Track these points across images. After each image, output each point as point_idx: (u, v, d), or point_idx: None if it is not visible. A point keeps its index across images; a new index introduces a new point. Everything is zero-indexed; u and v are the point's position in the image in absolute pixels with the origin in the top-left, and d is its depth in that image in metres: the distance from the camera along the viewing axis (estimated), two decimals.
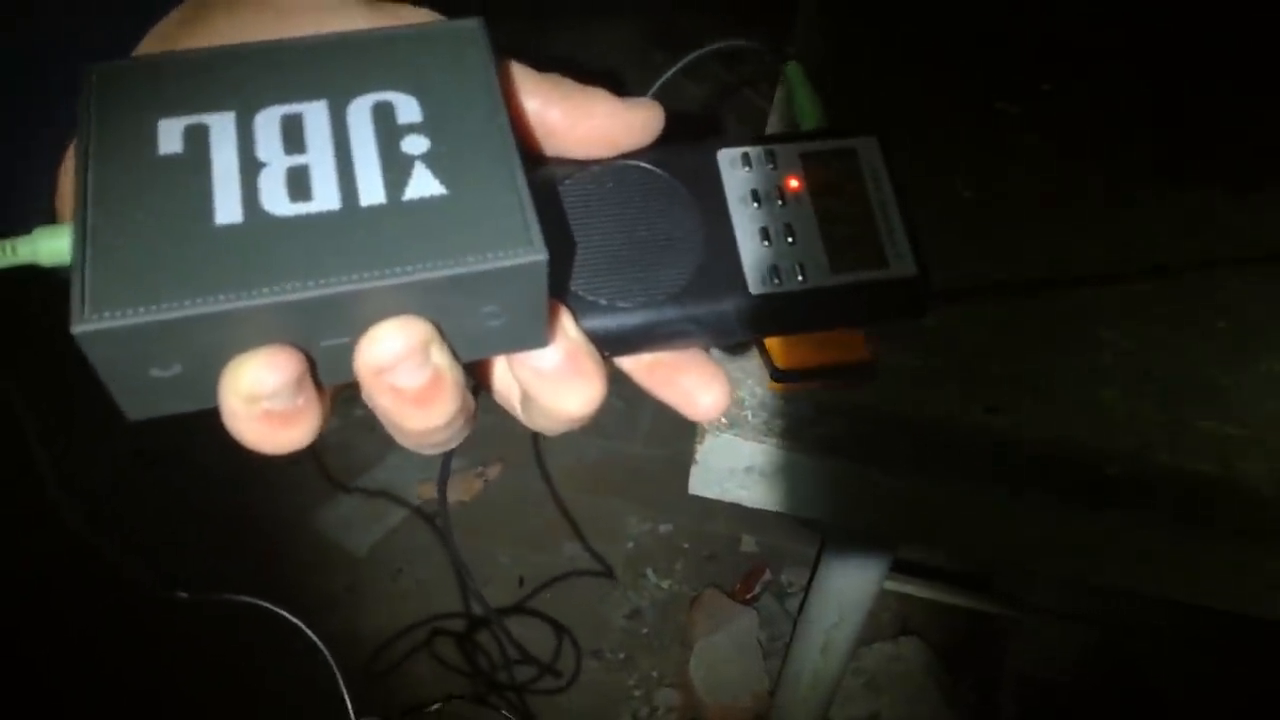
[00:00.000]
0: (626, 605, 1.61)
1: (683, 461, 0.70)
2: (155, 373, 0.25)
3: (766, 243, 0.32)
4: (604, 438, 1.82)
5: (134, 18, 0.30)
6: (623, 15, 2.27)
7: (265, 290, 0.24)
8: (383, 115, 0.27)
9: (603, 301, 0.30)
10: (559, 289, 0.30)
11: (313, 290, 0.24)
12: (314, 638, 1.05)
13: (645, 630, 1.58)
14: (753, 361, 0.67)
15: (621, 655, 1.55)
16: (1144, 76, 0.94)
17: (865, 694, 1.46)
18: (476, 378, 0.31)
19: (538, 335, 0.28)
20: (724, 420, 0.66)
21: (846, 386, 0.66)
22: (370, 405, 0.28)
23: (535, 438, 1.80)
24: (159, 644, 1.45)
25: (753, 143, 0.33)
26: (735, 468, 0.68)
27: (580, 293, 0.30)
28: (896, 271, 0.32)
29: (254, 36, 0.28)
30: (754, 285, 0.31)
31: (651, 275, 0.31)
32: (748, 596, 1.60)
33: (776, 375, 0.65)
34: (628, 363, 0.33)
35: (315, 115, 0.27)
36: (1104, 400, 0.68)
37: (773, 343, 0.64)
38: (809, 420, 0.66)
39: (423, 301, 0.26)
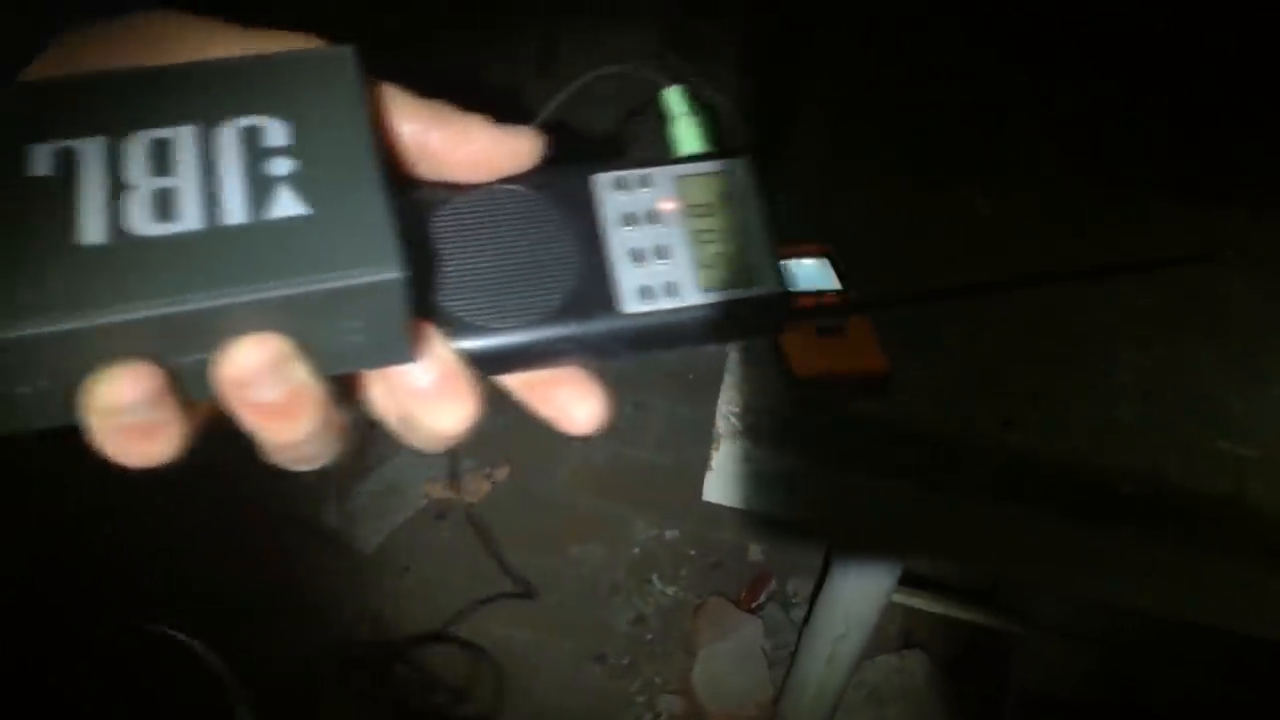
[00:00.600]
0: (631, 611, 1.61)
1: (691, 468, 0.70)
2: (17, 389, 0.26)
3: (639, 264, 0.33)
4: (613, 442, 1.82)
5: (15, 53, 0.30)
6: (638, 21, 2.28)
7: (122, 307, 0.25)
8: (250, 138, 0.28)
9: (477, 322, 0.31)
10: (433, 309, 0.31)
11: (168, 307, 0.25)
12: (217, 665, 1.05)
13: (649, 636, 1.58)
14: (770, 369, 0.68)
15: (625, 661, 1.56)
16: (1158, 91, 0.94)
17: (868, 706, 1.46)
18: (352, 392, 0.32)
19: (402, 351, 0.29)
20: (740, 427, 0.67)
21: (863, 396, 0.66)
22: (238, 422, 0.29)
23: (543, 440, 1.80)
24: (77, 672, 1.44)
25: (627, 166, 0.34)
26: (749, 475, 0.68)
27: (455, 313, 0.31)
28: (761, 290, 0.33)
29: (136, 63, 0.29)
30: (626, 305, 0.32)
31: (526, 296, 0.32)
32: (753, 605, 1.61)
33: (794, 383, 0.66)
34: (507, 380, 0.34)
35: (184, 139, 0.28)
36: (1119, 419, 0.69)
37: (791, 351, 0.65)
38: (824, 430, 0.66)
39: (279, 318, 0.26)
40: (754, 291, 0.33)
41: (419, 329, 0.29)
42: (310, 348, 0.27)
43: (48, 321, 0.24)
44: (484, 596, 1.55)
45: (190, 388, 0.27)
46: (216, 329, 0.26)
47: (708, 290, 0.33)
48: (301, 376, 0.27)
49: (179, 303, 0.25)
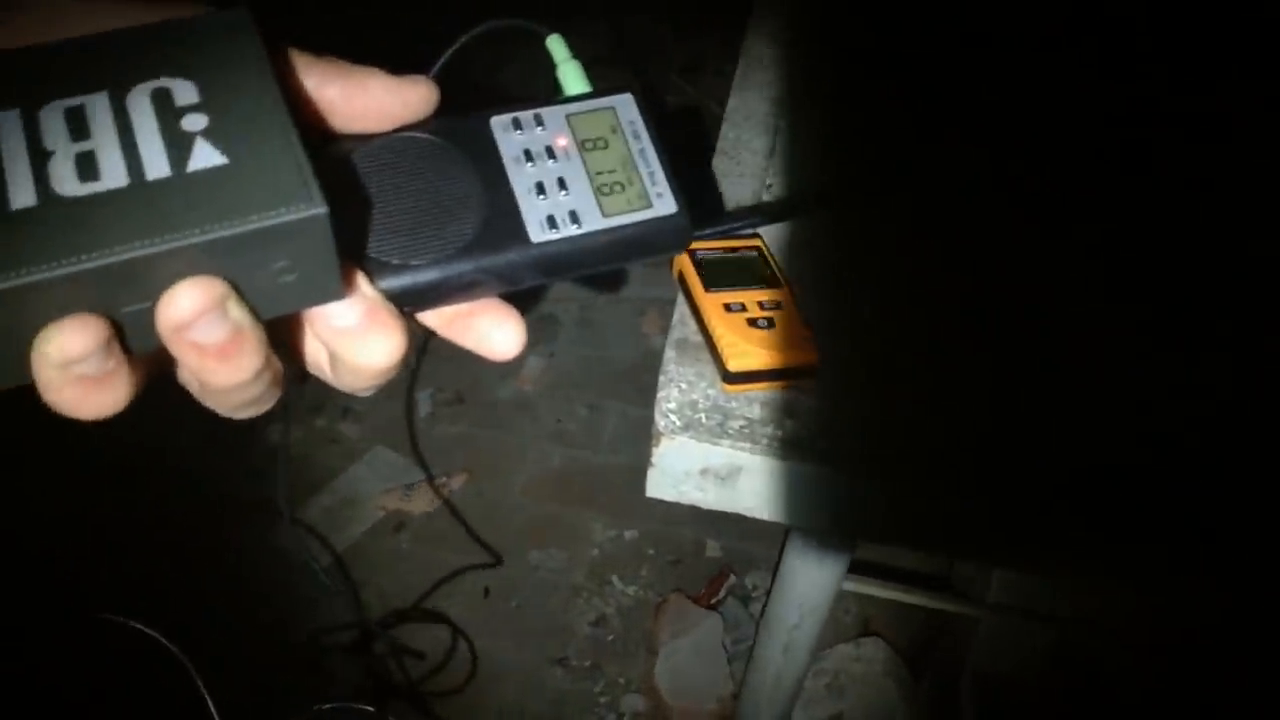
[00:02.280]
0: (592, 612, 1.61)
1: (646, 468, 0.71)
2: None
3: (542, 196, 0.35)
4: (568, 446, 1.82)
5: None
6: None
7: (62, 262, 0.26)
8: (161, 99, 0.29)
9: (395, 261, 0.33)
10: (353, 253, 0.32)
11: (107, 258, 0.26)
12: (185, 661, 1.05)
13: (611, 637, 1.59)
14: (706, 365, 0.68)
15: (587, 662, 1.56)
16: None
17: (828, 695, 1.47)
18: (287, 345, 0.34)
19: (333, 288, 0.30)
20: (678, 423, 0.67)
21: (796, 386, 0.67)
22: (180, 368, 0.30)
23: (498, 446, 1.80)
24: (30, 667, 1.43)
25: (522, 108, 0.37)
26: (691, 470, 0.69)
27: (374, 255, 0.33)
28: (660, 210, 0.36)
29: (33, 41, 0.30)
30: (534, 235, 0.35)
31: (439, 234, 0.34)
32: (712, 601, 1.62)
33: (728, 377, 0.66)
34: (430, 318, 0.35)
35: (97, 105, 0.29)
36: (1039, 398, 0.70)
37: (724, 346, 0.66)
38: (761, 421, 0.67)
39: (214, 261, 0.28)
40: (654, 212, 0.36)
41: (345, 270, 0.31)
42: (245, 290, 0.29)
43: None
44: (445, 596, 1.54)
45: (135, 338, 0.28)
46: (155, 277, 0.27)
47: (609, 215, 0.36)
48: (240, 316, 0.28)
49: (116, 253, 0.26)
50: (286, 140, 0.29)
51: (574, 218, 0.35)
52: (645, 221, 0.36)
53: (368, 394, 0.34)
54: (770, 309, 0.68)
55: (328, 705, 1.42)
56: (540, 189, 0.35)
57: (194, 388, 0.31)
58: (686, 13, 2.47)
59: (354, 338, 0.31)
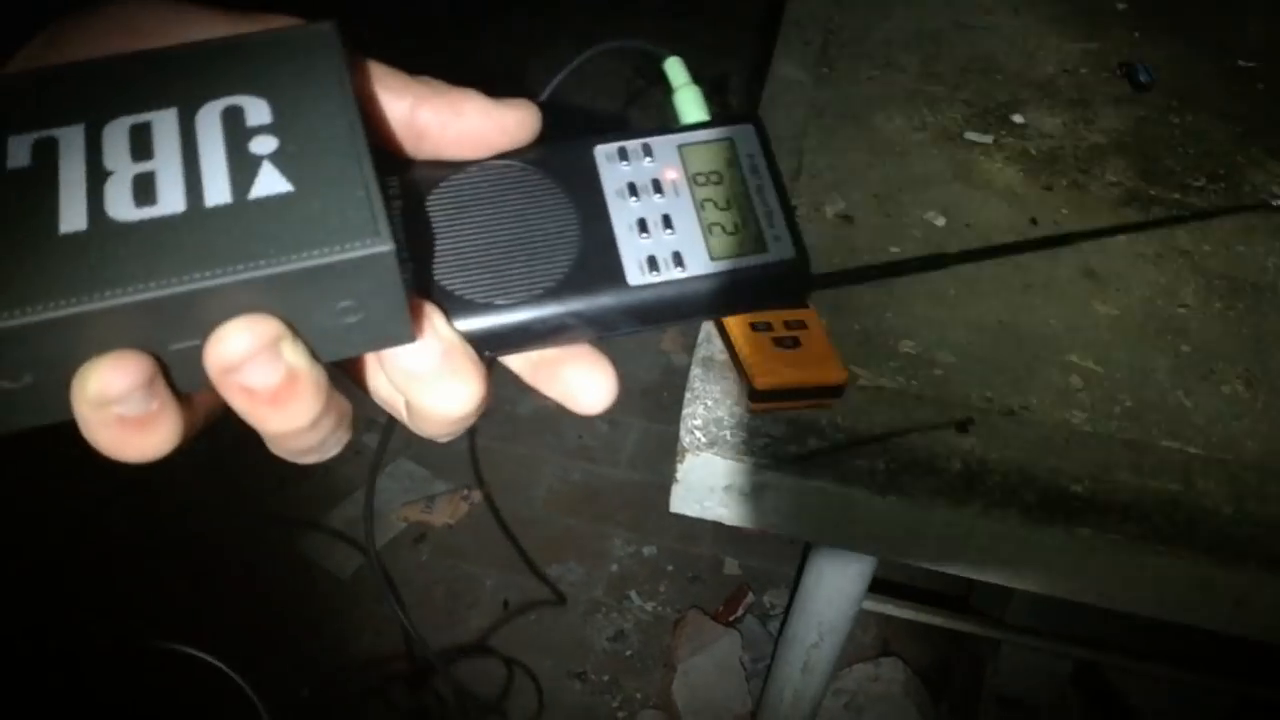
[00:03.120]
0: (610, 627, 1.62)
1: (666, 484, 0.71)
2: (5, 384, 0.25)
3: (645, 234, 0.32)
4: (588, 461, 1.83)
5: None
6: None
7: (106, 294, 0.24)
8: (232, 119, 0.27)
9: (479, 300, 0.30)
10: (433, 289, 0.30)
11: (154, 291, 0.25)
12: (244, 685, 1.05)
13: (629, 652, 1.59)
14: (731, 383, 0.69)
15: (605, 677, 1.56)
16: None
17: (845, 715, 1.47)
18: (355, 382, 0.32)
19: (402, 331, 0.28)
20: (703, 439, 0.68)
21: (823, 405, 0.68)
22: (234, 410, 0.28)
23: (519, 460, 1.81)
24: (86, 694, 1.44)
25: (629, 137, 0.34)
26: (715, 486, 0.70)
27: (456, 292, 0.30)
28: (775, 255, 0.32)
29: (110, 50, 0.29)
30: (632, 277, 0.31)
31: (528, 272, 0.31)
32: (731, 618, 1.62)
33: (754, 395, 0.67)
34: (514, 363, 0.33)
35: (164, 123, 0.27)
36: (1071, 421, 0.70)
37: (751, 364, 0.66)
38: (786, 439, 0.67)
39: (270, 298, 0.26)
40: (768, 258, 0.32)
41: (418, 308, 0.29)
42: (304, 331, 0.27)
43: (29, 312, 0.24)
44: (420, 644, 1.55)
45: (183, 377, 0.27)
46: (204, 313, 0.25)
47: (717, 259, 0.32)
48: (295, 359, 0.26)
49: (162, 287, 0.25)
50: (358, 169, 0.27)
51: (678, 260, 0.32)
52: (759, 267, 0.32)
53: (443, 440, 0.32)
54: (796, 328, 0.68)
55: None
56: (643, 226, 0.32)
57: (255, 428, 0.28)
58: (712, 33, 2.48)
59: (428, 382, 0.29)
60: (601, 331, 0.32)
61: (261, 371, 0.26)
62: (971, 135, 0.95)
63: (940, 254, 0.36)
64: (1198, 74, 1.07)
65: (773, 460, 0.68)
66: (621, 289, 0.31)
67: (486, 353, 0.31)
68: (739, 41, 2.33)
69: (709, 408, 0.69)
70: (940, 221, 0.85)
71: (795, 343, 0.67)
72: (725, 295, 0.32)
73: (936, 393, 0.71)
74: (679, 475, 0.70)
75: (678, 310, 0.32)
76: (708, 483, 0.70)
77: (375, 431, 1.82)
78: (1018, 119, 0.98)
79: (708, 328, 0.72)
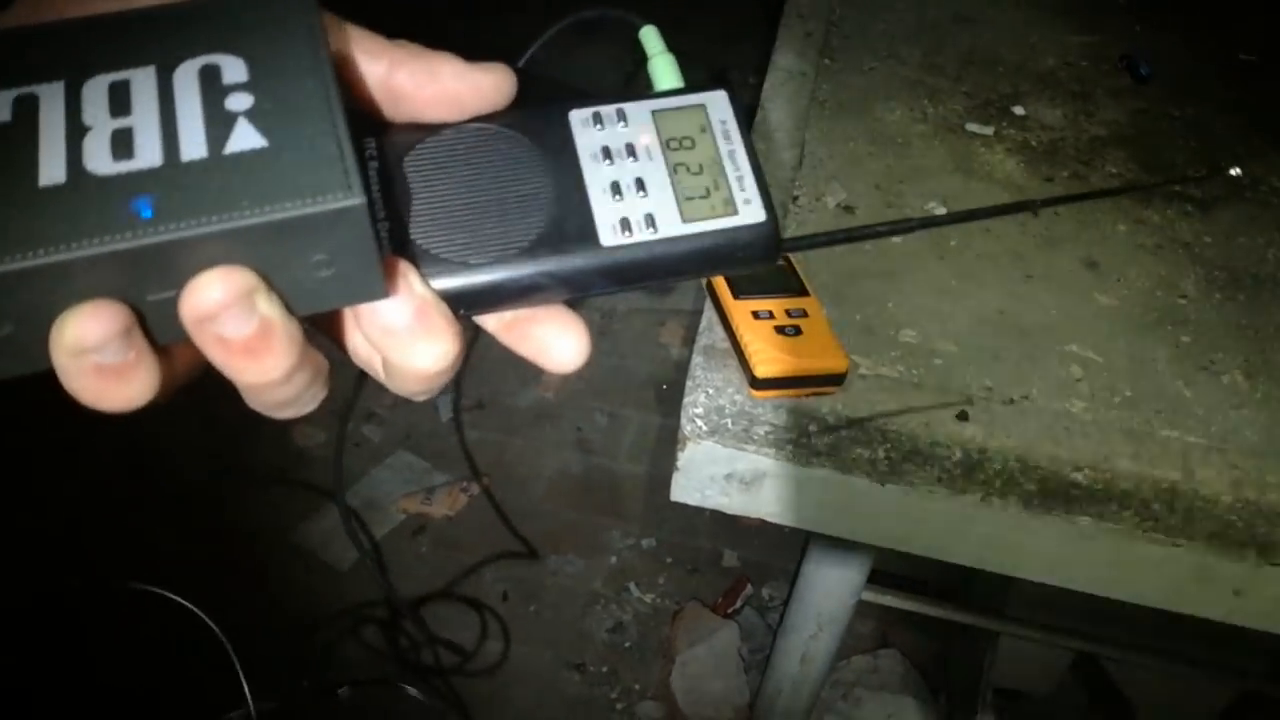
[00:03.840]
0: (609, 619, 1.62)
1: (665, 477, 0.71)
2: None
3: (618, 197, 0.33)
4: (587, 454, 1.83)
5: None
6: None
7: (84, 244, 0.25)
8: (209, 76, 0.28)
9: (454, 258, 0.31)
10: (409, 247, 0.31)
11: (130, 241, 0.25)
12: (212, 624, 1.07)
13: (628, 644, 1.59)
14: (732, 371, 0.69)
15: (604, 669, 1.56)
16: None
17: (844, 706, 1.47)
18: (333, 341, 0.32)
19: (375, 287, 0.29)
20: (704, 427, 0.68)
21: (824, 394, 0.68)
22: (210, 362, 0.28)
23: (518, 452, 1.81)
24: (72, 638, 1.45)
25: (604, 102, 0.34)
26: (715, 475, 0.70)
27: (431, 251, 0.31)
28: (746, 218, 0.33)
29: (94, 10, 0.29)
30: (605, 238, 0.32)
31: (503, 232, 0.32)
32: (729, 610, 1.62)
33: (755, 384, 0.67)
34: (489, 321, 0.33)
35: (142, 80, 0.28)
36: (1071, 410, 0.71)
37: (752, 352, 0.66)
38: (787, 428, 0.68)
39: (243, 250, 0.26)
40: (738, 221, 0.33)
41: (393, 265, 0.29)
42: (278, 283, 0.27)
43: (7, 261, 0.25)
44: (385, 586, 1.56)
45: (161, 328, 0.27)
46: (180, 264, 0.26)
47: (689, 222, 0.33)
48: (269, 310, 0.27)
49: (138, 237, 0.25)
50: (330, 125, 0.27)
51: (650, 222, 0.32)
52: (729, 230, 0.33)
53: (420, 398, 0.32)
54: (797, 316, 0.69)
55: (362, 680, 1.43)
56: (616, 189, 0.33)
57: (231, 381, 0.29)
58: (714, 23, 2.48)
59: (402, 339, 0.29)
60: (575, 291, 0.32)
61: (235, 322, 0.26)
62: (973, 127, 0.95)
63: (906, 218, 0.36)
64: (1198, 67, 1.07)
65: (774, 448, 0.68)
66: (595, 250, 0.32)
67: (461, 311, 0.31)
68: (741, 35, 2.33)
69: (710, 396, 0.69)
70: (941, 212, 0.85)
71: (797, 331, 0.67)
72: (697, 257, 0.33)
73: (937, 381, 0.71)
74: (679, 464, 0.70)
75: (650, 271, 0.33)
76: (708, 471, 0.70)
77: (376, 424, 1.82)
78: (1019, 111, 0.98)
79: (709, 316, 0.72)
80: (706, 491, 0.71)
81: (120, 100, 0.27)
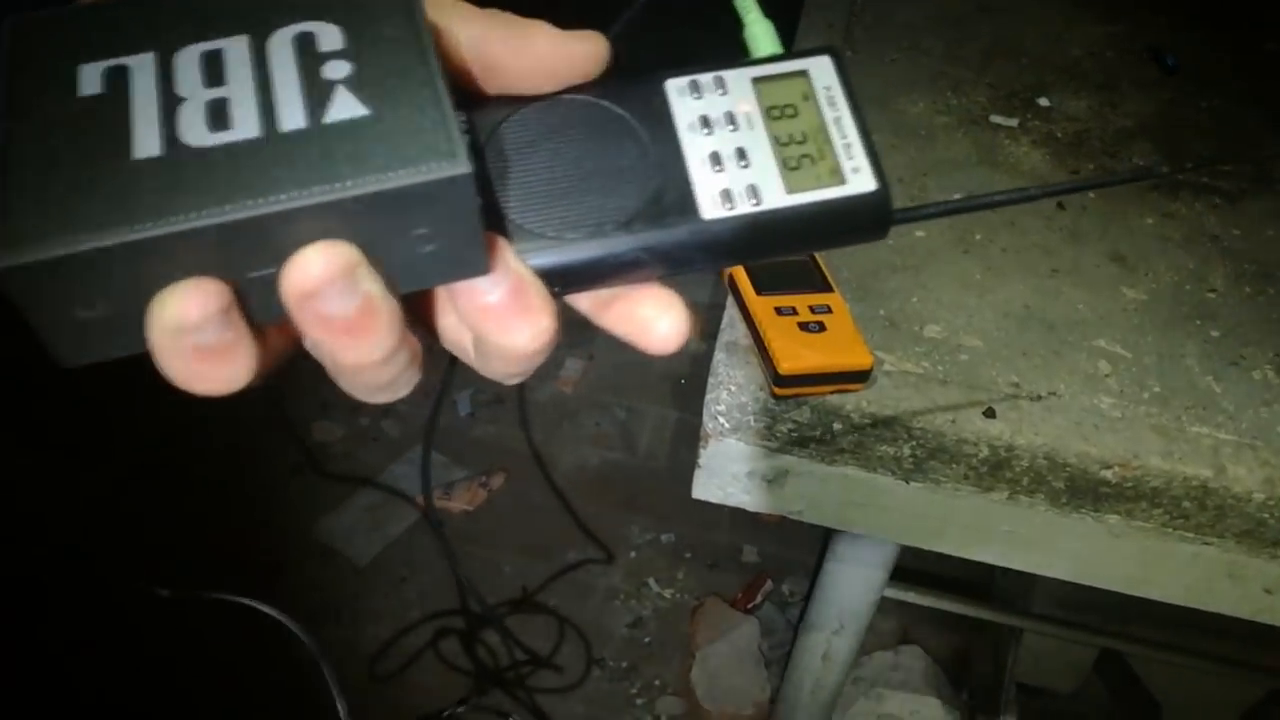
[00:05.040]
0: (629, 614, 1.62)
1: (685, 472, 0.71)
2: (81, 313, 0.25)
3: (718, 168, 0.31)
4: (606, 448, 1.83)
5: None
6: None
7: (181, 218, 0.24)
8: (304, 44, 0.27)
9: (550, 234, 0.30)
10: (502, 223, 0.30)
11: (229, 214, 0.24)
12: (308, 642, 1.06)
13: (648, 639, 1.59)
14: (755, 368, 0.69)
15: (624, 664, 1.56)
16: None
17: (865, 703, 1.46)
18: (424, 325, 0.31)
19: (476, 261, 0.28)
20: (726, 425, 0.67)
21: (848, 390, 0.67)
22: (307, 344, 0.27)
23: (537, 447, 1.81)
24: (146, 645, 1.46)
25: (702, 70, 0.33)
26: (737, 472, 0.69)
27: (526, 226, 0.30)
28: (855, 188, 0.31)
29: None
30: (706, 211, 0.31)
31: (599, 206, 0.30)
32: (749, 606, 1.61)
33: (779, 380, 0.67)
34: (583, 301, 0.32)
35: (236, 49, 0.27)
36: (1099, 407, 0.70)
37: (775, 348, 0.66)
38: (810, 425, 0.67)
39: (346, 223, 0.25)
40: (847, 191, 0.31)
41: (491, 241, 0.28)
42: (380, 260, 0.26)
43: (103, 236, 0.24)
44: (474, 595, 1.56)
45: (260, 307, 0.26)
46: (280, 238, 0.25)
47: (794, 193, 0.31)
48: (372, 287, 0.26)
49: (238, 210, 0.24)
50: (433, 93, 0.26)
51: (753, 193, 0.31)
52: (837, 200, 0.31)
53: (512, 381, 0.31)
54: (821, 313, 0.68)
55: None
56: (716, 160, 0.31)
57: (327, 366, 0.28)
58: (732, 15, 2.47)
59: (498, 318, 0.28)
60: (674, 268, 0.31)
61: (338, 299, 0.25)
62: (997, 118, 0.94)
63: (1024, 188, 0.34)
64: (1225, 57, 1.06)
65: (797, 446, 0.67)
66: (695, 223, 0.31)
67: (556, 289, 0.30)
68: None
69: (732, 393, 0.68)
70: None
71: (820, 327, 0.67)
72: (803, 229, 0.31)
73: (963, 378, 0.70)
74: (701, 461, 0.70)
75: (753, 246, 0.31)
76: (730, 469, 0.69)
77: (395, 419, 1.82)
78: (1044, 102, 0.97)
79: (731, 312, 0.72)
80: (729, 489, 0.71)
81: (214, 70, 0.26)
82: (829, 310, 0.68)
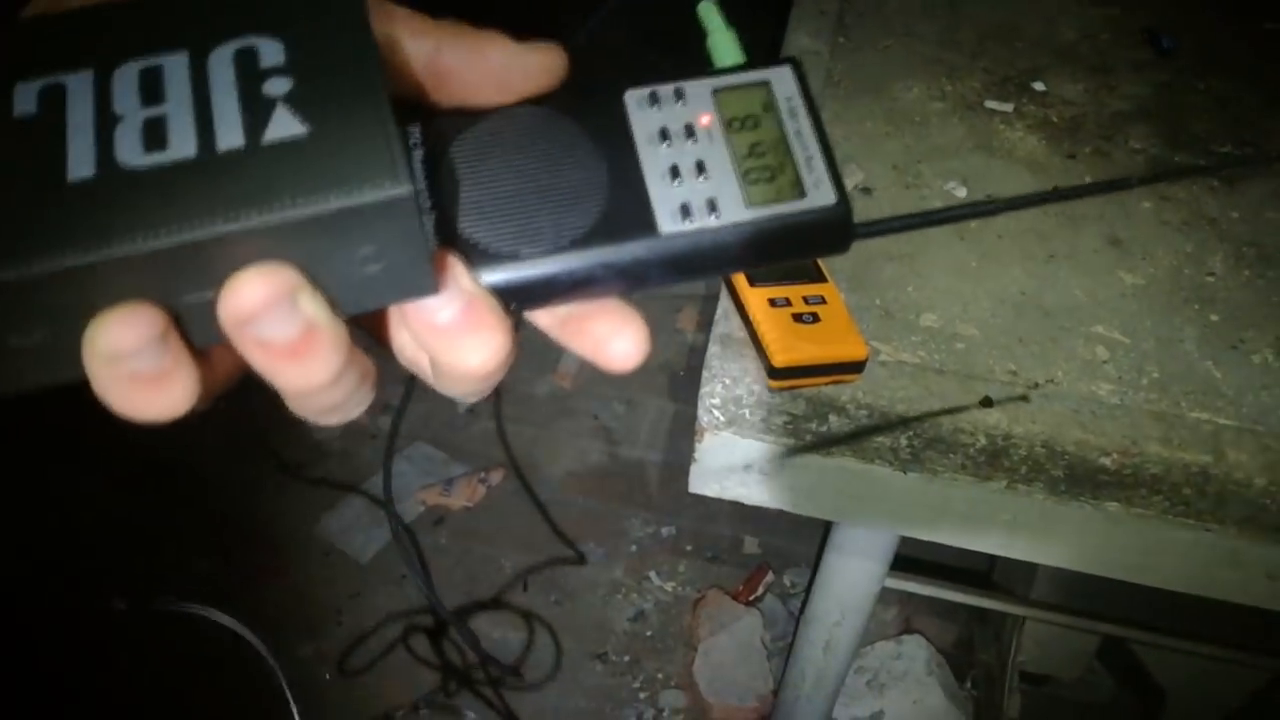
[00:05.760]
0: (630, 608, 1.61)
1: (684, 464, 0.70)
2: (15, 341, 0.24)
3: (677, 181, 0.30)
4: (605, 442, 1.82)
5: None
6: None
7: (114, 243, 0.23)
8: (245, 61, 0.26)
9: (504, 250, 0.29)
10: (455, 239, 0.29)
11: (163, 240, 0.24)
12: (261, 648, 1.06)
13: (649, 632, 1.59)
14: (750, 360, 0.68)
15: (626, 658, 1.56)
16: None
17: (868, 693, 1.46)
18: (378, 341, 0.30)
19: (424, 282, 0.27)
20: (722, 418, 0.67)
21: (843, 381, 0.66)
22: (251, 366, 0.27)
23: (536, 442, 1.81)
24: (103, 656, 1.45)
25: (661, 81, 0.32)
26: (734, 465, 0.69)
27: (480, 243, 0.29)
28: (815, 201, 0.30)
29: None
30: (664, 225, 0.30)
31: (555, 221, 0.30)
32: (751, 598, 1.61)
33: (774, 372, 0.66)
34: (541, 318, 0.31)
35: (175, 66, 0.26)
36: (1098, 394, 0.69)
37: (770, 340, 0.65)
38: (806, 417, 0.66)
39: (285, 246, 0.25)
40: (807, 205, 0.30)
41: (441, 259, 0.27)
42: (322, 281, 0.25)
43: (36, 263, 0.23)
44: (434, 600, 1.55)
45: (199, 332, 0.26)
46: (217, 262, 0.24)
47: (754, 206, 0.30)
48: (313, 311, 0.25)
49: (172, 235, 0.24)
50: (375, 110, 0.25)
51: (712, 207, 0.30)
52: (798, 214, 0.30)
53: (470, 400, 0.30)
54: (815, 303, 0.67)
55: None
56: (675, 173, 0.31)
57: (275, 388, 0.27)
58: (725, 7, 2.46)
59: (451, 337, 0.27)
60: (633, 284, 0.30)
61: (278, 324, 0.24)
62: (992, 104, 0.93)
63: (990, 200, 0.33)
64: (1222, 38, 1.05)
65: (793, 438, 0.66)
66: (653, 238, 0.30)
67: (513, 306, 0.29)
68: (753, 13, 2.30)
69: (727, 386, 0.67)
70: (961, 192, 0.83)
71: (815, 318, 0.66)
72: (763, 243, 0.31)
73: (959, 366, 0.69)
74: (697, 455, 0.69)
75: (713, 260, 0.31)
76: (726, 462, 0.69)
77: (390, 415, 1.82)
78: (1039, 86, 0.96)
79: (725, 305, 0.71)
80: (725, 482, 0.70)
81: (152, 88, 0.26)
82: (823, 301, 0.68)
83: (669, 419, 1.84)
